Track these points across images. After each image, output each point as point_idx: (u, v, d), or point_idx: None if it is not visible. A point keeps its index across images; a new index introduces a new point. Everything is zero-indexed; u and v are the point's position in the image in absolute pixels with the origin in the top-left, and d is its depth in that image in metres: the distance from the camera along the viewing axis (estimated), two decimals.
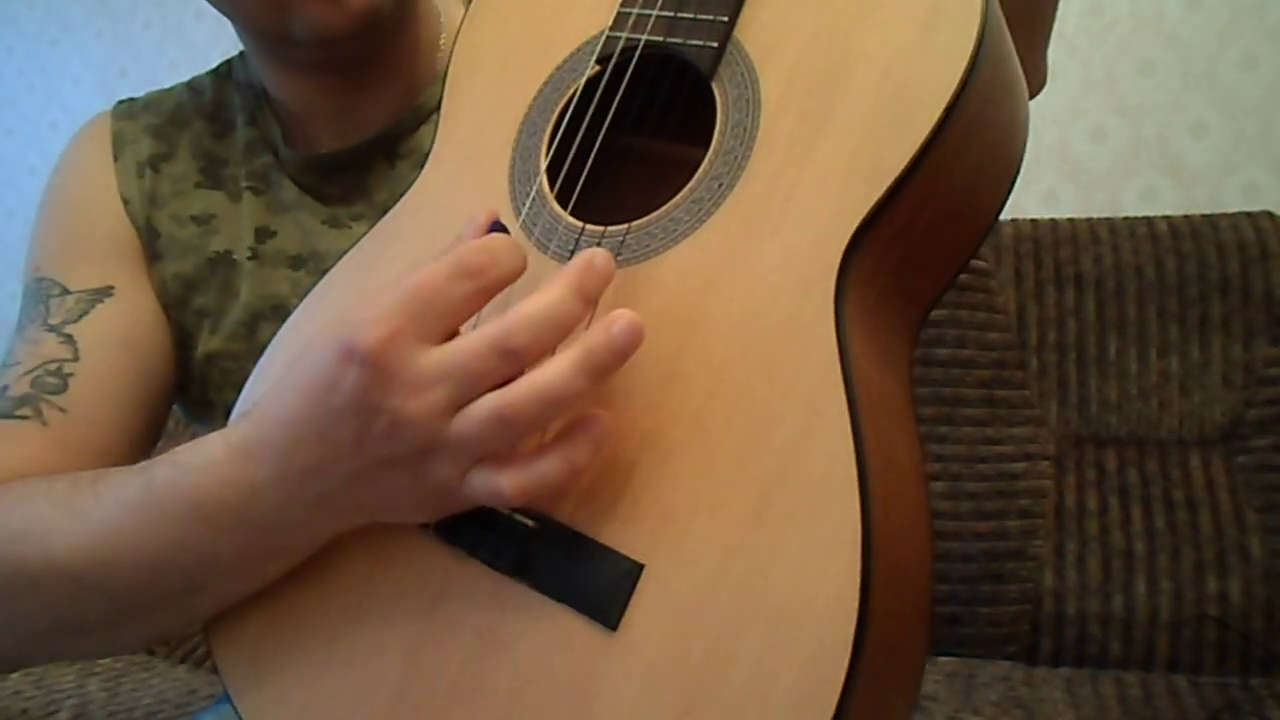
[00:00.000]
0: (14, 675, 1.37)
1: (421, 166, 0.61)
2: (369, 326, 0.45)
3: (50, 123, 2.35)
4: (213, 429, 0.75)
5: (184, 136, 0.76)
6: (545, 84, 0.58)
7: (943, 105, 0.48)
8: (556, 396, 0.44)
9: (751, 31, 0.54)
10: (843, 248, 0.48)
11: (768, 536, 0.44)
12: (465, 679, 0.48)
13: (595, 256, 0.47)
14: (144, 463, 0.54)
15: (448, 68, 0.62)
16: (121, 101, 0.79)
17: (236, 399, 0.71)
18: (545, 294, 0.45)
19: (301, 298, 0.60)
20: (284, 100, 0.75)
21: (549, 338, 0.45)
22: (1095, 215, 1.48)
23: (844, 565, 0.42)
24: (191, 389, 0.74)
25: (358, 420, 0.46)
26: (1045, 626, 1.32)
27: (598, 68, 0.56)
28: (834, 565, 0.43)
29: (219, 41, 2.12)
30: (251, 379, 0.59)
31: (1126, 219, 1.44)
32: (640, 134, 0.59)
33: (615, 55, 0.56)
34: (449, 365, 0.45)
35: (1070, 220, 1.47)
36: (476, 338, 0.45)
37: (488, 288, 0.46)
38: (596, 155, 0.55)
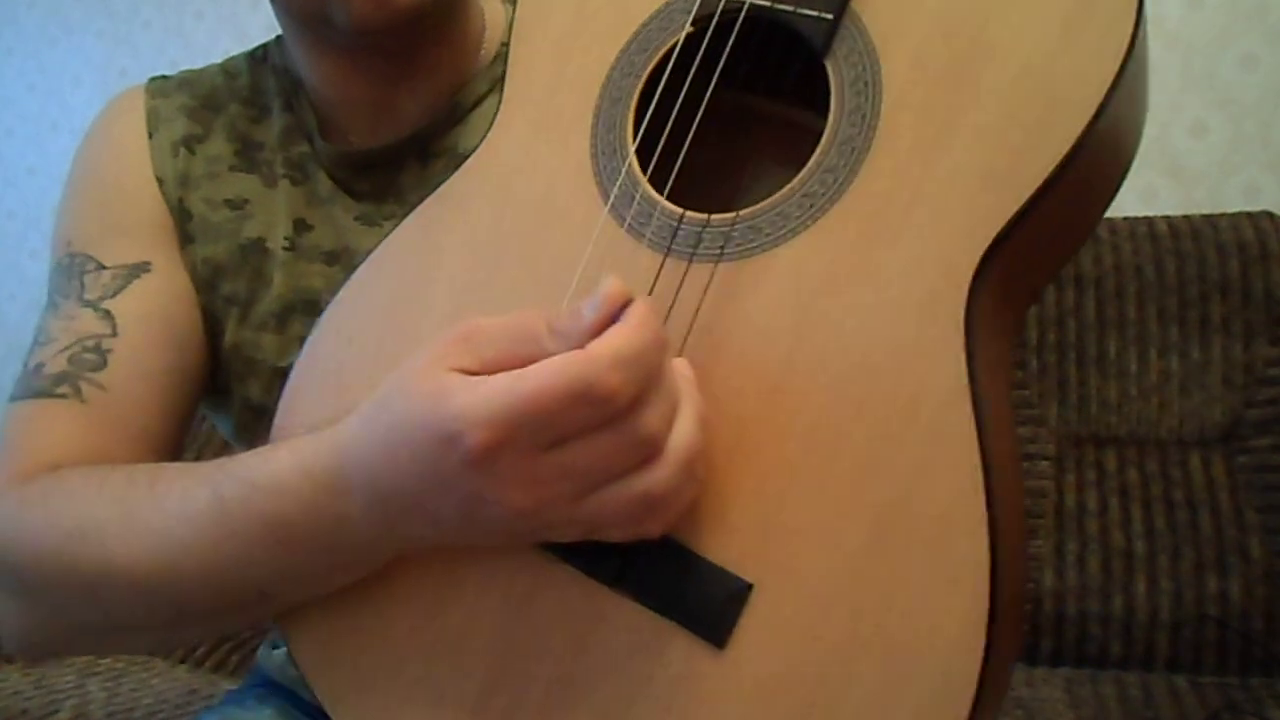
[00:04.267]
0: (14, 675, 1.37)
1: (456, 168, 0.57)
2: (473, 427, 0.41)
3: (50, 123, 2.34)
4: (228, 421, 0.74)
5: (219, 119, 0.74)
6: (629, 42, 0.53)
7: (1091, 112, 0.43)
8: (695, 456, 0.43)
9: (872, 4, 0.48)
10: (975, 264, 0.44)
11: (886, 566, 0.42)
12: (560, 685, 0.46)
13: (684, 369, 0.44)
14: (204, 469, 0.53)
15: (513, 16, 0.58)
16: (155, 78, 0.77)
17: (256, 390, 0.70)
18: (683, 417, 0.43)
19: (335, 294, 0.57)
20: (320, 88, 0.73)
21: (664, 406, 0.43)
22: None
23: (970, 601, 0.41)
24: (216, 376, 0.73)
25: (464, 502, 0.44)
26: (1045, 626, 1.32)
27: (693, 29, 0.51)
28: (959, 601, 0.41)
29: (219, 41, 2.12)
30: (300, 366, 0.56)
31: (1126, 219, 1.44)
32: (739, 104, 0.54)
33: (715, 17, 0.50)
34: (574, 466, 0.42)
35: None
36: (604, 438, 0.42)
37: (615, 414, 0.41)
38: (691, 132, 0.49)
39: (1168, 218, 1.43)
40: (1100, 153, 0.45)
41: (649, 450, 0.42)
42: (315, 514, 0.48)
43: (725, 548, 0.45)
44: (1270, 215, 1.40)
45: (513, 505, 0.43)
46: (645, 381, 0.42)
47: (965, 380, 0.43)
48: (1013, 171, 0.44)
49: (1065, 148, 0.43)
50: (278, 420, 0.56)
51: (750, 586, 0.44)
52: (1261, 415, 1.34)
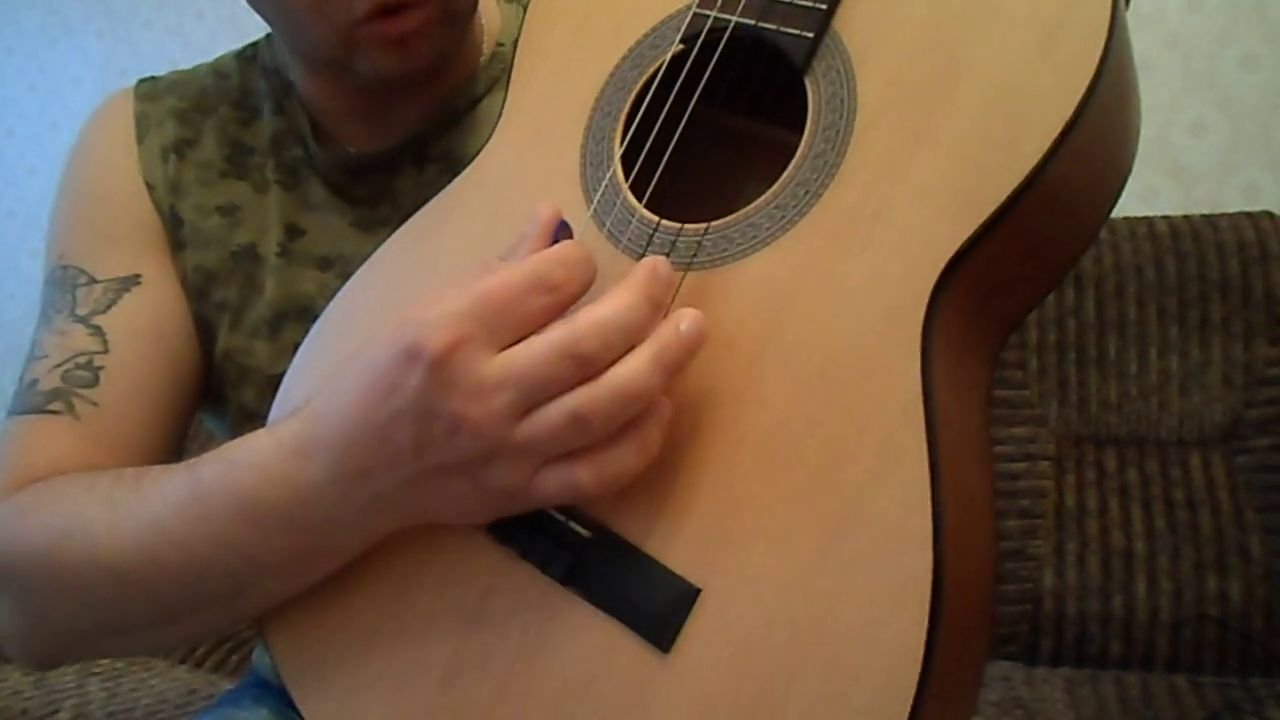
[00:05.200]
0: (14, 675, 1.37)
1: (451, 172, 0.58)
2: (435, 330, 0.44)
3: (50, 123, 2.34)
4: (223, 425, 0.74)
5: (209, 123, 0.74)
6: (624, 59, 0.54)
7: (1056, 131, 0.43)
8: (635, 393, 0.44)
9: (852, 23, 0.49)
10: (934, 278, 0.44)
11: (832, 578, 0.42)
12: (512, 680, 0.47)
13: (658, 264, 0.46)
14: (191, 460, 0.53)
15: (522, 25, 0.59)
16: (143, 80, 0.76)
17: (250, 397, 0.70)
18: (615, 299, 0.44)
19: (329, 300, 0.58)
20: (313, 97, 0.72)
21: (619, 344, 0.44)
22: None
23: (910, 618, 0.41)
24: (209, 381, 0.73)
25: (417, 424, 0.45)
26: (1045, 626, 1.32)
27: (681, 46, 0.52)
28: (899, 617, 0.41)
29: (219, 41, 2.11)
30: (295, 368, 0.57)
31: (1126, 219, 1.44)
32: (721, 120, 0.55)
33: (702, 35, 0.51)
34: (515, 371, 0.44)
35: None
36: (544, 343, 0.44)
37: (563, 303, 0.45)
38: (675, 144, 0.51)
39: (1168, 218, 1.43)
40: (1075, 172, 0.45)
41: (585, 368, 0.43)
42: (284, 484, 0.49)
43: (676, 551, 0.45)
44: (1270, 215, 1.40)
45: (463, 418, 0.44)
46: (589, 276, 0.46)
47: (919, 395, 0.43)
48: (976, 189, 0.44)
49: (1028, 167, 0.43)
50: (277, 411, 0.56)
51: (698, 591, 0.44)
52: (1261, 415, 1.34)
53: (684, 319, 0.44)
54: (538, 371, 0.43)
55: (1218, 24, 1.55)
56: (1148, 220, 1.43)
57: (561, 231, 0.49)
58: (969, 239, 0.44)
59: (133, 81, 0.76)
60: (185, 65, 0.78)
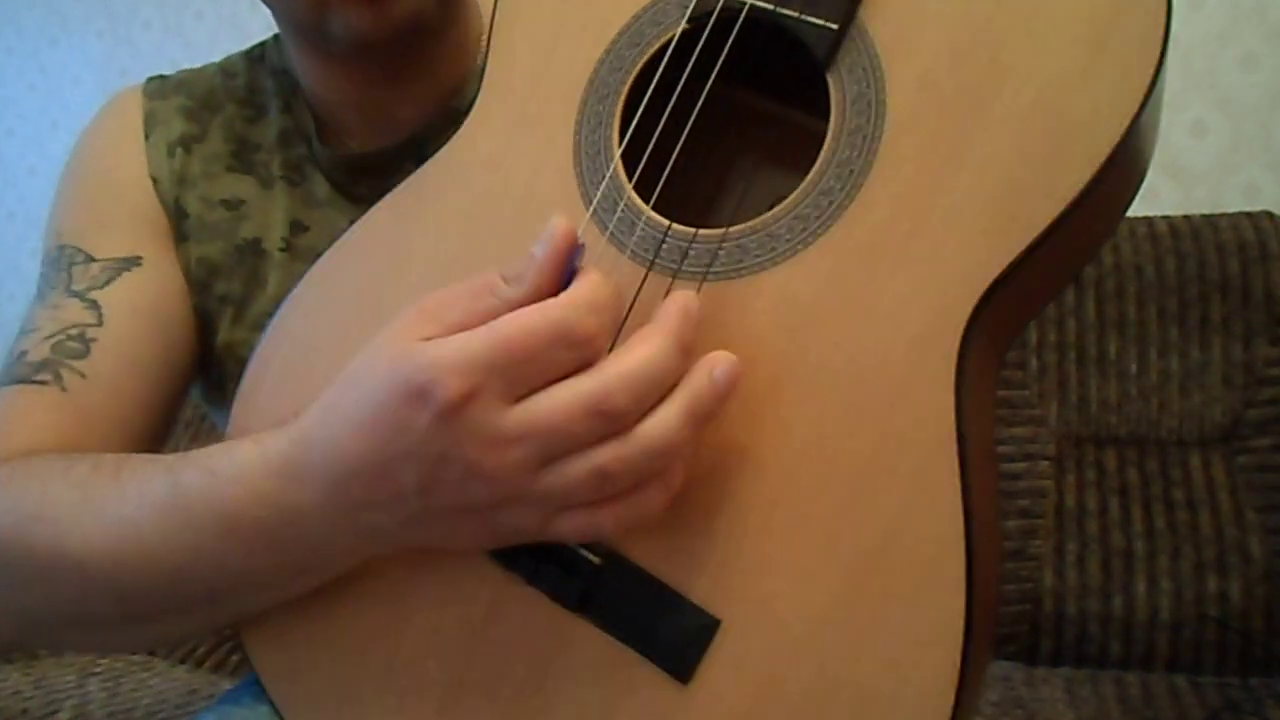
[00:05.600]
0: (14, 675, 1.37)
1: None
2: (449, 376, 0.41)
3: (50, 122, 2.34)
4: (224, 416, 0.73)
5: (216, 119, 0.74)
6: (619, 35, 0.50)
7: (1105, 155, 0.40)
8: (666, 450, 0.41)
9: (880, 15, 0.45)
10: (971, 306, 0.42)
11: (862, 613, 0.41)
12: (520, 708, 0.45)
13: (689, 303, 0.42)
14: (169, 459, 0.52)
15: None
16: (152, 79, 0.77)
17: None
18: (645, 347, 0.41)
19: None
20: (317, 91, 0.73)
21: (649, 397, 0.41)
22: None
23: (944, 656, 0.40)
24: (210, 374, 0.73)
25: (426, 466, 0.42)
26: (1045, 626, 1.32)
27: (688, 26, 0.48)
28: (932, 655, 0.40)
29: (219, 41, 2.12)
30: (262, 352, 0.54)
31: (1126, 219, 1.44)
32: (729, 99, 0.51)
33: (714, 16, 0.47)
34: (537, 425, 0.41)
35: None
36: (570, 397, 0.41)
37: (590, 358, 0.42)
38: (682, 135, 0.47)
39: (1168, 218, 1.43)
40: (1113, 187, 0.43)
41: (612, 424, 0.41)
42: (270, 505, 0.47)
43: (695, 580, 0.43)
44: (1270, 215, 1.40)
45: (476, 468, 0.42)
46: (616, 321, 0.42)
47: (952, 429, 0.41)
48: (1018, 213, 0.42)
49: (1075, 190, 0.41)
50: (235, 412, 0.54)
51: (718, 622, 0.43)
52: (1261, 415, 1.34)
53: (719, 365, 0.42)
54: (562, 428, 0.41)
55: (1218, 24, 1.55)
56: (1148, 220, 1.43)
57: (574, 252, 0.44)
58: (1007, 267, 0.42)
59: (133, 81, 0.77)
60: (185, 65, 0.79)
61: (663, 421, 0.41)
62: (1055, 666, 1.30)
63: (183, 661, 1.49)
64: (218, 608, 0.51)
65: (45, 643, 0.61)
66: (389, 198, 0.54)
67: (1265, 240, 1.37)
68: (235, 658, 1.49)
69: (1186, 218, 1.43)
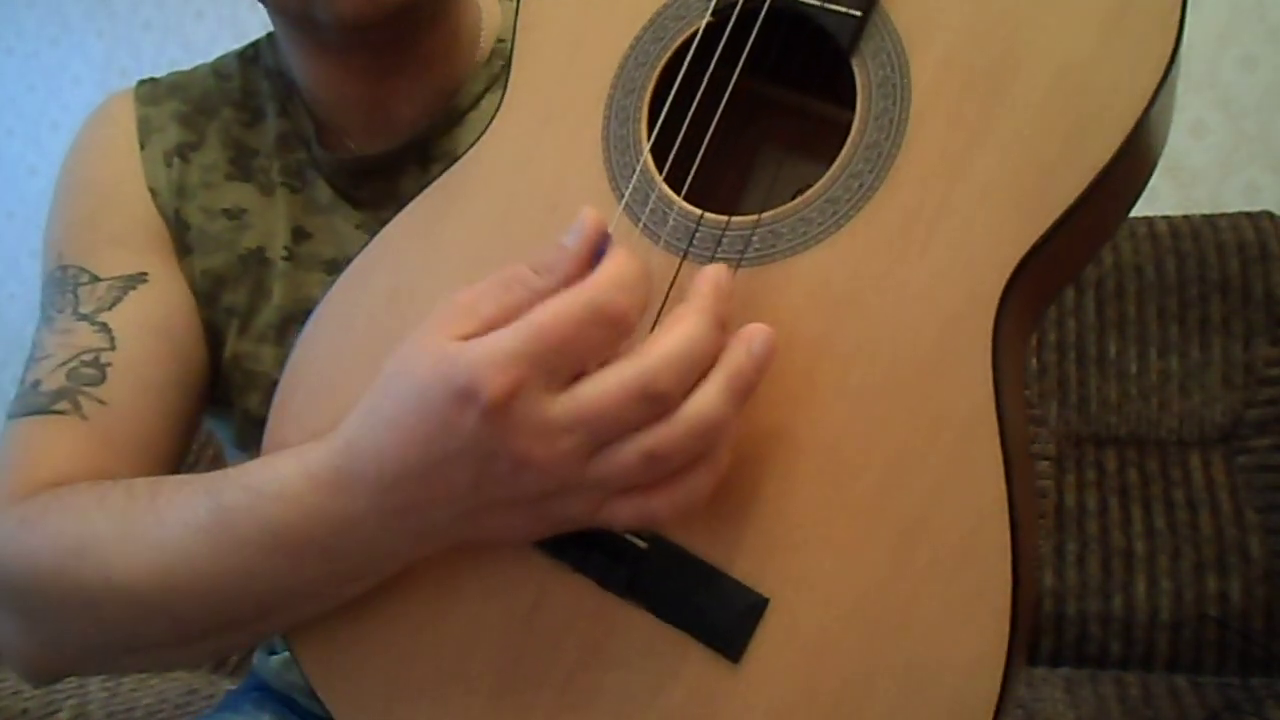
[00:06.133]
0: (14, 675, 1.37)
1: None
2: (491, 371, 0.41)
3: (50, 123, 2.34)
4: (229, 430, 0.73)
5: (212, 125, 0.72)
6: (644, 30, 0.50)
7: (1129, 127, 0.41)
8: (711, 427, 0.41)
9: (901, 1, 0.46)
10: (1003, 283, 0.42)
11: (906, 584, 0.42)
12: (572, 693, 0.46)
13: (721, 277, 0.43)
14: (205, 479, 0.51)
15: (516, 8, 0.55)
16: (143, 82, 0.75)
17: (256, 402, 0.69)
18: (684, 327, 0.41)
19: None
20: (313, 89, 0.71)
21: (692, 377, 0.41)
22: None
23: (990, 624, 0.40)
24: (216, 386, 0.71)
25: (478, 464, 0.43)
26: (1045, 626, 1.32)
27: (713, 19, 0.49)
28: (978, 623, 0.41)
29: (219, 41, 2.12)
30: (294, 364, 0.54)
31: (1127, 219, 1.44)
32: (755, 91, 0.52)
33: (738, 7, 0.48)
34: (585, 413, 0.41)
35: None
36: (616, 383, 0.41)
37: (624, 334, 0.42)
38: (710, 127, 0.47)
39: (1168, 218, 1.43)
40: (1134, 165, 0.44)
41: (658, 406, 0.41)
42: (319, 518, 0.47)
43: (741, 560, 0.44)
44: (1270, 215, 1.40)
45: (527, 460, 0.42)
46: (645, 299, 0.42)
47: (991, 401, 0.42)
48: (1044, 189, 0.42)
49: (1098, 166, 0.42)
50: (270, 426, 0.54)
51: (766, 601, 0.44)
52: (1261, 415, 1.34)
53: (755, 339, 0.42)
54: (610, 414, 0.41)
55: (1218, 24, 1.55)
56: (1148, 220, 1.43)
57: (604, 242, 0.45)
58: (1036, 243, 0.42)
59: (132, 81, 0.75)
60: (185, 65, 0.77)
61: (706, 398, 0.41)
62: (1055, 666, 1.30)
63: None
64: (270, 620, 0.51)
65: (91, 668, 0.60)
66: (418, 200, 0.55)
67: (1265, 240, 1.37)
68: (235, 658, 1.49)
69: (1186, 218, 1.43)
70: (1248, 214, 1.41)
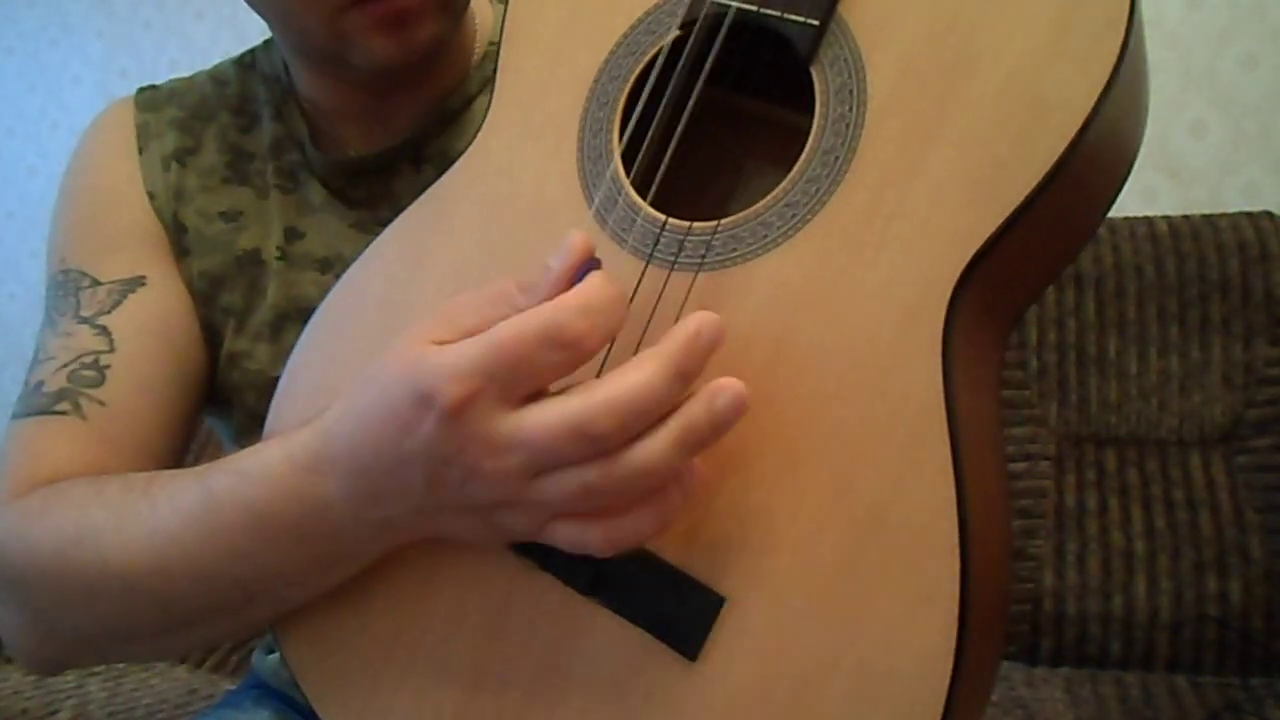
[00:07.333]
0: (14, 675, 1.37)
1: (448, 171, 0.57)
2: (448, 382, 0.42)
3: (50, 123, 2.35)
4: (229, 428, 0.74)
5: (210, 130, 0.74)
6: (617, 45, 0.52)
7: (1078, 123, 0.42)
8: (652, 474, 0.42)
9: (859, 9, 0.47)
10: (954, 280, 0.43)
11: (859, 584, 0.42)
12: (537, 691, 0.47)
13: (704, 327, 0.42)
14: (200, 468, 0.53)
15: (505, 12, 0.57)
16: (143, 89, 0.76)
17: (254, 401, 0.70)
18: (638, 374, 0.41)
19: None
20: (312, 99, 0.73)
21: (635, 426, 0.41)
22: None
23: (939, 622, 0.41)
24: (214, 385, 0.73)
25: (430, 468, 0.44)
26: (1045, 626, 1.32)
27: (679, 33, 0.50)
28: (928, 622, 0.41)
29: (219, 41, 2.12)
30: (292, 366, 0.56)
31: (1126, 219, 1.44)
32: (720, 101, 0.53)
33: (701, 20, 0.50)
34: (525, 437, 0.42)
35: None
36: (556, 416, 0.41)
37: (581, 358, 0.42)
38: (675, 136, 0.49)
39: (1168, 218, 1.43)
40: (1091, 164, 0.44)
41: (595, 446, 0.41)
42: (297, 499, 0.48)
43: (700, 560, 0.45)
44: (1270, 215, 1.40)
45: (475, 470, 0.43)
46: (615, 325, 0.43)
47: (941, 397, 0.42)
48: (996, 186, 0.43)
49: (1050, 162, 0.42)
50: (268, 427, 0.56)
51: (723, 600, 0.44)
52: (1261, 415, 1.34)
53: (720, 395, 0.41)
54: (547, 444, 0.42)
55: (1218, 24, 1.55)
56: (1148, 220, 1.43)
57: (591, 270, 0.45)
58: (991, 237, 0.43)
59: (133, 81, 0.77)
60: (185, 65, 0.78)
61: (652, 446, 0.42)
62: (1055, 666, 1.30)
63: (183, 661, 1.49)
64: (253, 607, 0.53)
65: (89, 659, 0.62)
66: (409, 210, 0.57)
67: (1265, 240, 1.37)
68: (235, 658, 1.49)
69: (1186, 218, 1.43)
70: (1248, 214, 1.41)
